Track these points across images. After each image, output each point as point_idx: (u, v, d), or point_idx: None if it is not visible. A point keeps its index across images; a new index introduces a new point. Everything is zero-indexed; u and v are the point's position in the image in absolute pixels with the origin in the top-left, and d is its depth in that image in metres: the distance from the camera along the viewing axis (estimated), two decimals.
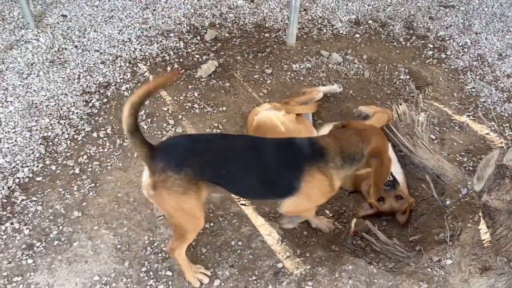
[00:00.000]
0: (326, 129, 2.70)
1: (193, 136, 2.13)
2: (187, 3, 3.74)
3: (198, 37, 3.41)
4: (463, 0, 3.86)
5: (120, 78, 3.02)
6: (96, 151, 2.56)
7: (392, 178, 2.32)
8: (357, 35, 3.55)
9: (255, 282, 2.00)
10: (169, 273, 2.04)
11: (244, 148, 1.87)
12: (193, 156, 1.77)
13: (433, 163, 2.51)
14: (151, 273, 2.04)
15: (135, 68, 3.11)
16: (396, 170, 2.55)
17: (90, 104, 2.83)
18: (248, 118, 2.71)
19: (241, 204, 2.37)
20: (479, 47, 3.43)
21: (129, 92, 2.92)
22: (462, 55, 3.36)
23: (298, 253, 2.13)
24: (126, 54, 3.19)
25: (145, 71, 3.10)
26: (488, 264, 1.90)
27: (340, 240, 2.34)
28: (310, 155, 1.85)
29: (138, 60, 3.17)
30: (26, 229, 2.18)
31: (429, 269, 1.99)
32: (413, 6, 3.80)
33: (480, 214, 1.97)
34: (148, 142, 1.74)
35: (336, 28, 3.61)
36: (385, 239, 2.21)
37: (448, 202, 2.29)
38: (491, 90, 3.08)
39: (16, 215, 2.24)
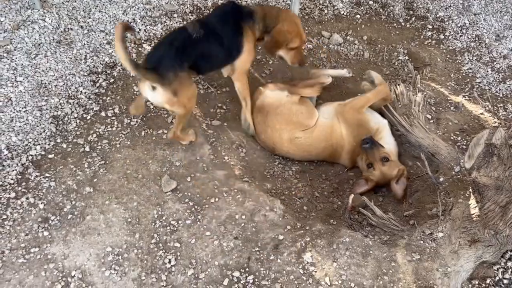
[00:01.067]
0: (324, 109, 2.80)
1: (168, 40, 2.42)
2: None
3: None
4: None
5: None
6: (105, 130, 2.66)
7: (370, 137, 2.58)
8: (358, 16, 3.60)
9: (257, 253, 2.13)
10: (177, 244, 2.18)
11: (206, 34, 2.38)
12: (180, 54, 2.27)
13: (428, 142, 2.62)
14: (160, 244, 2.18)
15: (140, 49, 3.18)
16: (387, 140, 2.66)
17: (98, 84, 2.91)
18: (252, 97, 2.80)
19: (244, 181, 2.49)
20: (477, 28, 3.49)
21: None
22: (460, 36, 3.43)
23: (298, 227, 2.26)
24: (131, 34, 3.26)
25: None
26: (476, 237, 2.03)
27: (338, 215, 2.47)
28: (245, 18, 2.49)
29: (143, 41, 3.23)
30: (41, 203, 2.30)
31: (422, 242, 2.12)
32: None
33: (470, 190, 2.09)
34: (148, 68, 2.20)
35: (337, 8, 3.66)
36: (381, 213, 2.33)
37: (441, 179, 2.41)
38: (487, 71, 3.16)
39: (31, 190, 2.36)
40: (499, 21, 3.54)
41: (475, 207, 2.02)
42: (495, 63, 3.22)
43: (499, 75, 3.13)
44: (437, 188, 2.38)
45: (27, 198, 2.33)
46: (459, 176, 2.35)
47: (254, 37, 2.55)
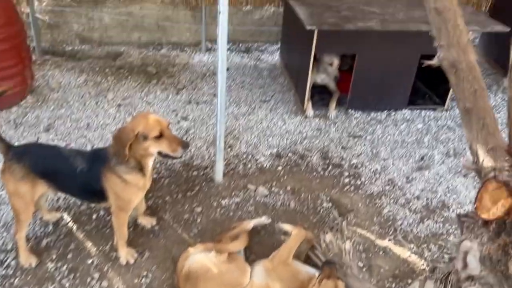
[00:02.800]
0: (255, 270, 2.71)
1: (37, 147, 2.85)
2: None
3: None
4: (369, 130, 4.35)
5: (41, 232, 2.88)
6: None
7: None
8: (280, 168, 3.79)
9: None
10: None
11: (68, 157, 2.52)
12: (31, 155, 2.49)
13: None
14: None
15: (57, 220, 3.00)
16: None
17: (6, 264, 2.62)
18: (177, 263, 2.65)
19: None
20: (389, 172, 3.79)
21: (52, 243, 2.77)
22: (375, 180, 3.69)
23: None
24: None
25: (68, 222, 2.99)
26: None
27: None
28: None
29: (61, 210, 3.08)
30: None
31: None
32: (326, 138, 4.20)
33: None
34: (8, 142, 2.51)
35: (260, 162, 3.84)
36: None
37: None
38: (406, 213, 3.34)
39: None
40: (406, 164, 3.90)
41: None
42: (410, 204, 3.44)
43: (417, 216, 3.31)
44: None
45: None
46: None
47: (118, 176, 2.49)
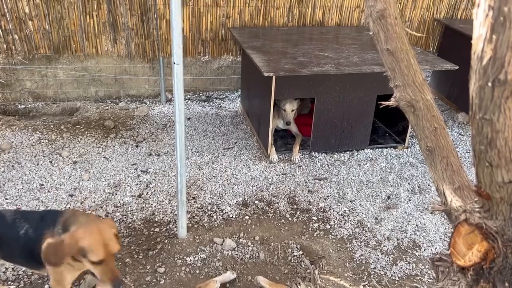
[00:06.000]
0: None
1: None
2: (69, 208, 3.59)
3: None
4: (333, 171, 4.33)
5: None
6: None
7: None
8: (247, 217, 3.65)
9: None
10: None
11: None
12: None
13: None
14: None
15: None
16: None
17: None
18: None
19: None
20: (357, 213, 3.73)
21: None
22: (344, 223, 3.61)
23: None
24: None
25: None
26: None
27: None
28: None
29: (10, 282, 2.79)
30: None
31: None
32: (292, 182, 4.13)
33: None
34: None
35: (225, 212, 3.69)
36: None
37: None
38: (378, 255, 3.26)
39: None
40: (373, 204, 3.86)
41: None
42: (382, 245, 3.36)
43: (389, 258, 3.23)
44: None
45: None
46: None
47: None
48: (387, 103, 1.69)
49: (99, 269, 2.13)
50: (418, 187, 4.10)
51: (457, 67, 4.30)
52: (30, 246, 2.28)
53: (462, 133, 5.22)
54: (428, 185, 4.13)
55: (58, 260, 2.09)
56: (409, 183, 4.16)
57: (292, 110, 4.57)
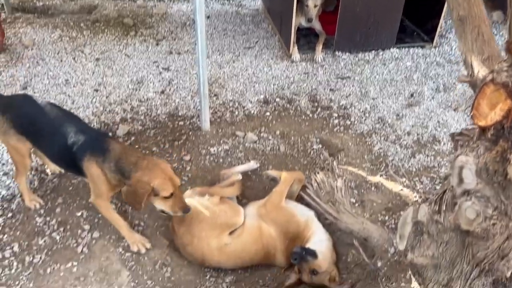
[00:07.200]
0: (247, 212, 2.68)
1: (25, 101, 2.48)
2: (95, 102, 3.69)
3: (110, 134, 3.33)
4: (357, 71, 4.25)
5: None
6: (2, 275, 2.26)
7: (299, 251, 2.34)
8: (268, 113, 3.70)
9: None
10: None
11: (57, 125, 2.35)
12: (16, 109, 2.39)
13: (358, 226, 2.56)
14: None
15: (42, 175, 2.91)
16: (320, 237, 2.55)
17: None
18: None
19: None
20: (378, 110, 3.73)
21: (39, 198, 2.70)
22: (365, 119, 3.63)
23: None
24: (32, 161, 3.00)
25: (54, 177, 2.92)
26: None
27: None
28: (95, 151, 2.29)
29: (45, 167, 2.98)
30: None
31: None
32: (314, 81, 4.10)
33: (410, 272, 2.01)
34: None
35: (247, 108, 3.74)
36: None
37: (379, 264, 2.31)
38: (397, 149, 3.31)
39: None
40: (396, 102, 3.83)
41: None
42: (401, 140, 3.40)
43: (408, 151, 3.29)
44: (377, 274, 2.27)
45: None
46: (395, 258, 2.27)
47: (103, 173, 2.29)
48: None
49: (170, 202, 2.30)
50: (443, 85, 4.02)
51: None
52: (72, 158, 2.31)
53: (495, 33, 4.96)
54: (453, 83, 4.04)
55: (139, 203, 2.23)
56: (434, 82, 4.08)
57: (315, 6, 4.36)
